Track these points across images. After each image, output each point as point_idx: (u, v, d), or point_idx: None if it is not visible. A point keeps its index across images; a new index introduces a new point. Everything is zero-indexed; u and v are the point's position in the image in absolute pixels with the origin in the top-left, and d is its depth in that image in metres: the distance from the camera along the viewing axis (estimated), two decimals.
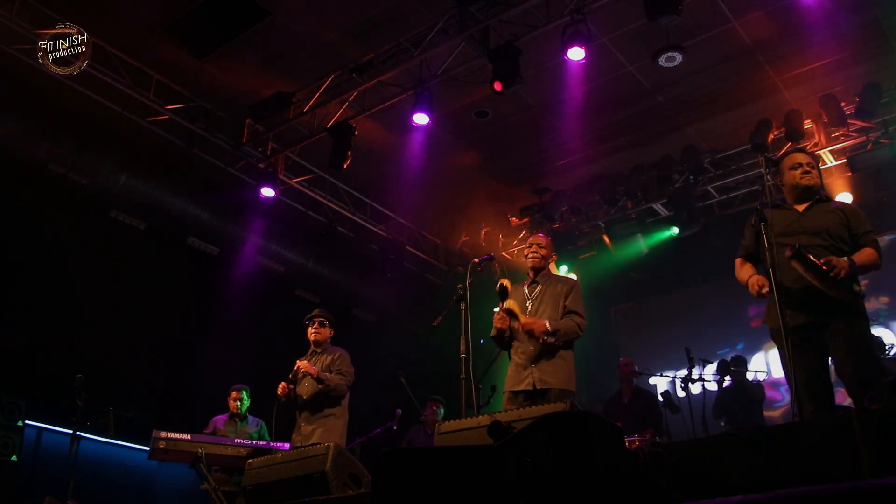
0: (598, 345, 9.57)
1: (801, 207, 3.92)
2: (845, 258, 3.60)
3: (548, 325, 4.46)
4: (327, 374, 5.57)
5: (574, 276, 4.94)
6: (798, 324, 3.62)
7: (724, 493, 2.36)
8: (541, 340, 4.46)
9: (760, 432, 2.89)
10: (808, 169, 3.92)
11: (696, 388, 6.89)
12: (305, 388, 5.66)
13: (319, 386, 5.50)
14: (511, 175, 9.39)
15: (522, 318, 4.50)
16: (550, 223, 9.71)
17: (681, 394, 7.17)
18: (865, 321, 3.70)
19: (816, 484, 2.13)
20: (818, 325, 3.63)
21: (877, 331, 7.86)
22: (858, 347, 3.60)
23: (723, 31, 7.09)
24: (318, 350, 5.90)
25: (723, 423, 7.48)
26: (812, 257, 3.57)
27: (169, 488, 7.97)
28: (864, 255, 3.69)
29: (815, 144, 8.14)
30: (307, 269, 9.93)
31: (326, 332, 5.92)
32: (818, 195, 3.97)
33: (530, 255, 4.79)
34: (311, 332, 5.88)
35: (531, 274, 4.81)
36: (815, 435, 2.59)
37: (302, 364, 5.55)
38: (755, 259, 4.00)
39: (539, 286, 4.73)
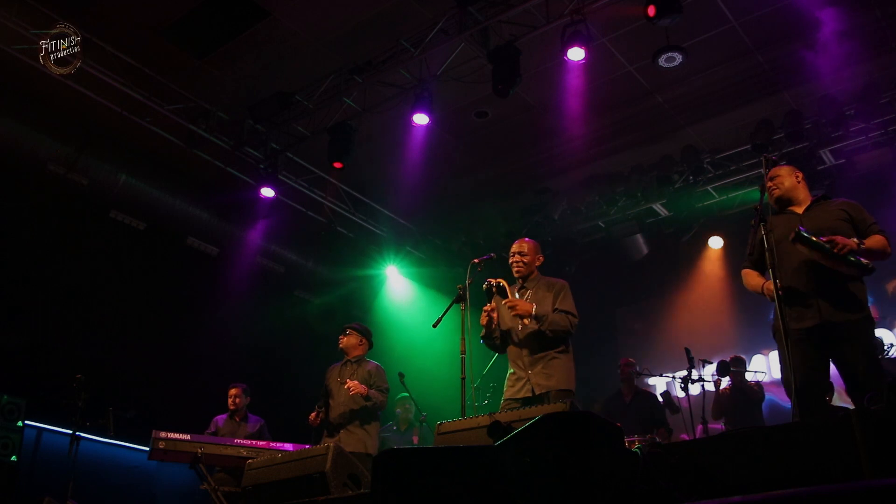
0: (598, 344, 9.60)
1: (800, 209, 4.00)
2: (853, 239, 3.68)
3: (533, 309, 4.41)
4: (373, 391, 5.79)
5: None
6: (805, 325, 3.67)
7: (724, 493, 2.36)
8: (524, 320, 4.42)
9: (760, 432, 2.89)
10: (770, 186, 4.05)
11: (695, 389, 6.90)
12: (342, 401, 5.77)
13: (366, 403, 5.74)
14: (511, 175, 9.38)
15: (511, 298, 4.46)
16: (551, 224, 9.71)
17: (680, 394, 7.17)
18: (872, 326, 3.75)
19: (816, 484, 2.13)
20: (826, 327, 3.65)
21: (877, 332, 7.85)
22: (868, 354, 3.65)
23: (723, 31, 7.09)
24: (353, 361, 6.03)
25: (722, 424, 7.48)
26: (814, 237, 3.63)
27: (169, 488, 7.97)
28: (874, 240, 3.77)
29: (815, 144, 8.13)
30: (307, 270, 9.93)
31: (352, 342, 6.06)
32: (812, 197, 4.06)
33: (514, 265, 4.73)
34: (340, 341, 6.11)
35: (520, 281, 4.75)
36: (814, 435, 2.59)
37: (352, 384, 5.67)
38: (761, 266, 4.04)
39: (528, 291, 4.68)
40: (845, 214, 3.90)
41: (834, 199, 4.11)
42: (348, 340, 6.05)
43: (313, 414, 5.80)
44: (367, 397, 5.69)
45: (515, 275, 4.73)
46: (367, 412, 5.78)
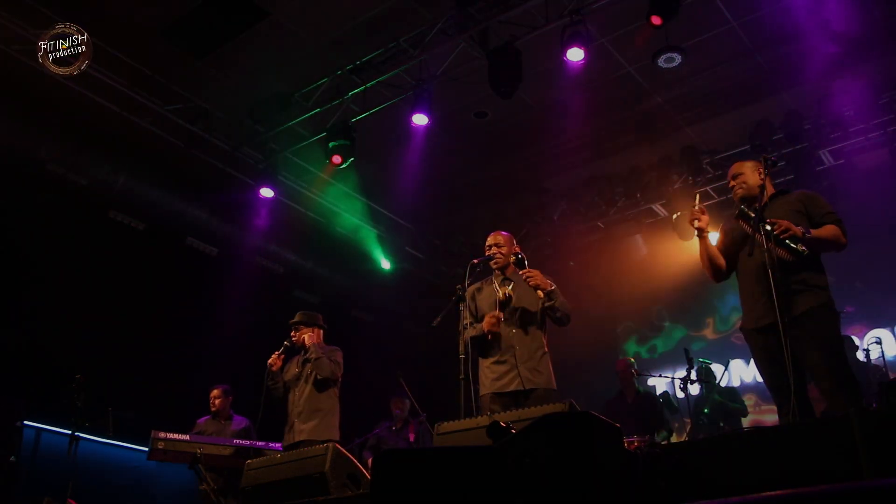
0: (598, 345, 9.59)
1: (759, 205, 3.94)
2: (800, 227, 3.63)
3: (552, 285, 4.39)
4: (323, 359, 5.56)
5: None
6: (766, 323, 3.62)
7: (723, 494, 2.35)
8: (540, 295, 4.39)
9: (760, 432, 2.89)
10: (732, 184, 4.11)
11: (694, 389, 6.90)
12: (300, 389, 5.65)
13: (317, 378, 5.52)
14: (510, 175, 9.38)
15: (528, 269, 4.40)
16: (550, 224, 9.72)
17: (679, 394, 7.18)
18: (834, 317, 3.67)
19: (816, 484, 2.13)
20: (785, 325, 3.53)
21: (875, 331, 7.86)
22: (829, 346, 3.58)
23: (722, 32, 7.09)
24: (309, 354, 5.74)
25: (721, 424, 7.47)
26: (752, 213, 3.69)
27: (168, 488, 7.97)
28: (824, 230, 3.72)
29: (815, 145, 8.14)
30: (306, 270, 9.92)
31: (303, 335, 5.74)
32: (769, 194, 3.99)
33: (493, 256, 4.68)
34: (296, 340, 5.81)
35: (498, 273, 4.71)
36: (814, 435, 2.59)
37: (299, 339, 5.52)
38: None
39: (512, 282, 4.65)
40: (800, 206, 3.85)
41: (792, 192, 4.05)
42: (300, 336, 5.74)
43: (273, 356, 5.62)
44: (316, 363, 5.50)
45: (493, 266, 4.71)
46: (321, 397, 5.56)
